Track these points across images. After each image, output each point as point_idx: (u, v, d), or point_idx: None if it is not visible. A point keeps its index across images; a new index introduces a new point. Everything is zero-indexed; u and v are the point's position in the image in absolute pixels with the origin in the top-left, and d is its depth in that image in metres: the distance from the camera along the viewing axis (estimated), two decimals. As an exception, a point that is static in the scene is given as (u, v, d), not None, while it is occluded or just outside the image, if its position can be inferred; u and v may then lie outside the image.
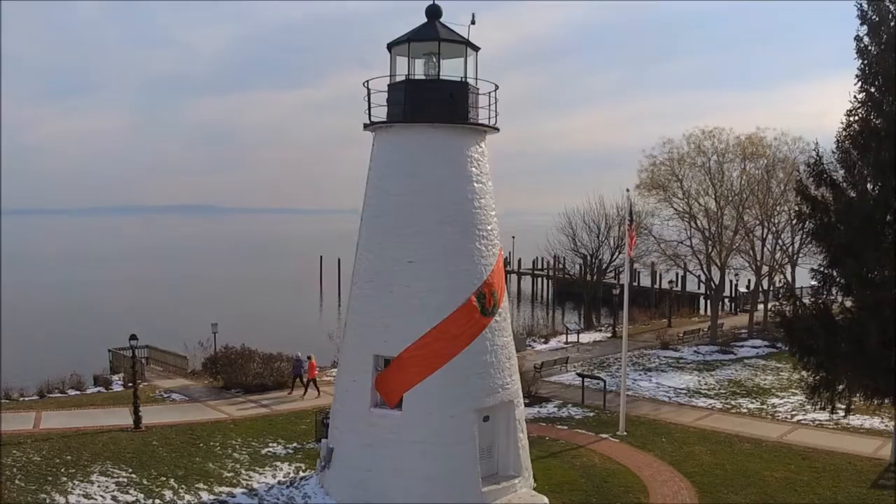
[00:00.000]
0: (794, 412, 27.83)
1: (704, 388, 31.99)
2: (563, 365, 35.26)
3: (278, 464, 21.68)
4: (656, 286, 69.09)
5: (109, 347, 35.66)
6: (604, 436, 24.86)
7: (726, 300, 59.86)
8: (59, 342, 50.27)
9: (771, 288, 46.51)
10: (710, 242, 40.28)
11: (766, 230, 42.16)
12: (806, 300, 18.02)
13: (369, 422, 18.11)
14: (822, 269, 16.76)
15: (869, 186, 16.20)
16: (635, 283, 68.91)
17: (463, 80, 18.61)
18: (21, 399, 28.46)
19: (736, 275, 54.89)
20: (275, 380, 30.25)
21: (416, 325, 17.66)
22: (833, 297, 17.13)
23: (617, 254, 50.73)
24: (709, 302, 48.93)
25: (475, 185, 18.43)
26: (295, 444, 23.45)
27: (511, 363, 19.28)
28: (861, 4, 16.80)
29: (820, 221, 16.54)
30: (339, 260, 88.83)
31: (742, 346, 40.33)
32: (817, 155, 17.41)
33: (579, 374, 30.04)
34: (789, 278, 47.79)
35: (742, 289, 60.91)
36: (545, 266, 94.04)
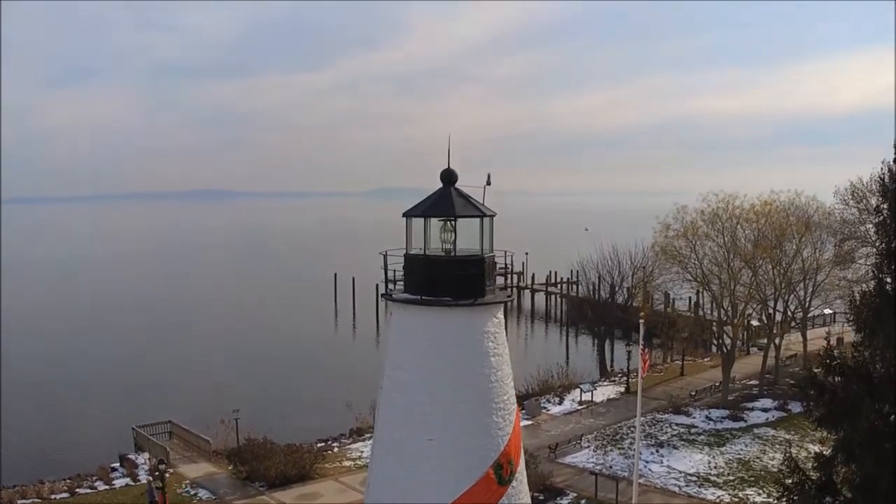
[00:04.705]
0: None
1: (714, 473, 32.64)
2: (578, 442, 36.04)
3: None
4: (669, 309, 69.41)
5: (133, 425, 36.76)
6: (616, 547, 25.71)
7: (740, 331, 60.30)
8: (69, 394, 51.39)
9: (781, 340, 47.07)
10: (722, 311, 40.74)
11: (779, 290, 42.51)
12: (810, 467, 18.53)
13: (392, 585, 18.89)
14: (824, 453, 17.23)
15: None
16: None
17: (479, 255, 19.10)
18: (52, 497, 29.53)
19: (749, 314, 55.35)
20: (297, 472, 31.13)
21: (435, 499, 18.32)
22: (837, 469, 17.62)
23: (631, 301, 51.40)
24: (720, 350, 49.40)
25: (492, 359, 18.90)
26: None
27: (527, 523, 19.97)
28: (884, 178, 16.58)
29: (827, 409, 16.96)
30: (353, 279, 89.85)
31: (752, 409, 40.87)
32: (828, 344, 17.78)
33: (592, 473, 30.81)
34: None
35: (754, 322, 61.16)
36: (558, 280, 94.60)
